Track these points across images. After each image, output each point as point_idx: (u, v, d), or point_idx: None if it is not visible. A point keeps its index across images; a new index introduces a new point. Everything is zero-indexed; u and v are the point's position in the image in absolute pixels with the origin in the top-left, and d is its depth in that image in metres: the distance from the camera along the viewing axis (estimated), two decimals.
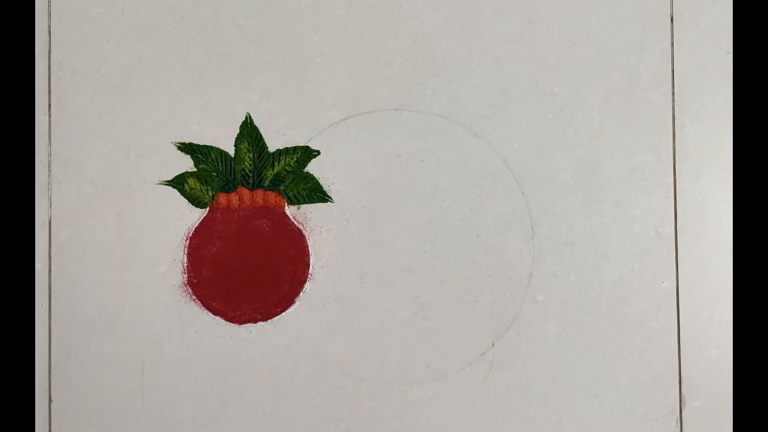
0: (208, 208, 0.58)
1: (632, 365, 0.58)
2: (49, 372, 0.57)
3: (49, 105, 0.58)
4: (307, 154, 0.58)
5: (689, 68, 0.58)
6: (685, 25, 0.58)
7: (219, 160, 0.58)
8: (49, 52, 0.58)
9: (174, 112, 0.58)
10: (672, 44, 0.58)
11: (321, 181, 0.58)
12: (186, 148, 0.58)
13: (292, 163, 0.58)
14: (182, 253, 0.58)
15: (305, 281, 0.58)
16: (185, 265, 0.58)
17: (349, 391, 0.58)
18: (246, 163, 0.58)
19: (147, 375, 0.57)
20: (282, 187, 0.58)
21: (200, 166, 0.58)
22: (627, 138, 0.58)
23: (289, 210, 0.58)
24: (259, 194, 0.57)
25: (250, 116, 0.58)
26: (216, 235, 0.57)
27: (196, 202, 0.58)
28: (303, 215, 0.58)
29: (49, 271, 0.58)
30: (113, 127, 0.58)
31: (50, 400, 0.57)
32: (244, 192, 0.57)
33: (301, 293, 0.58)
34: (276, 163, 0.58)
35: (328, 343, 0.58)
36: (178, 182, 0.58)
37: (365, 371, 0.58)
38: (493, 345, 0.58)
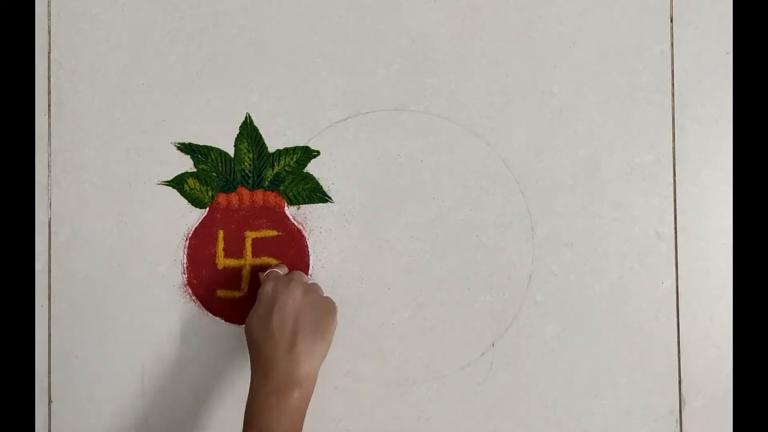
0: (208, 208, 0.58)
1: (632, 365, 0.58)
2: (49, 372, 0.57)
3: (49, 105, 0.58)
4: (307, 154, 0.58)
5: (689, 68, 0.58)
6: (685, 25, 0.58)
7: (219, 160, 0.58)
8: (49, 52, 0.58)
9: (174, 112, 0.58)
10: (672, 44, 0.58)
11: (321, 181, 0.58)
12: (186, 148, 0.58)
13: (291, 163, 0.58)
14: (182, 253, 0.58)
15: None
16: (185, 265, 0.58)
17: (349, 391, 0.58)
18: (246, 164, 0.58)
19: (147, 375, 0.57)
20: (282, 188, 0.58)
21: (200, 166, 0.58)
22: (627, 138, 0.58)
23: (289, 210, 0.58)
24: (259, 194, 0.57)
25: (250, 116, 0.58)
26: (216, 235, 0.57)
27: (196, 202, 0.58)
28: (303, 215, 0.58)
29: (49, 271, 0.58)
30: (113, 127, 0.58)
31: (50, 400, 0.57)
32: (244, 192, 0.57)
33: None
34: (276, 164, 0.58)
35: None
36: (178, 182, 0.58)
37: (365, 371, 0.58)
38: (493, 345, 0.58)
